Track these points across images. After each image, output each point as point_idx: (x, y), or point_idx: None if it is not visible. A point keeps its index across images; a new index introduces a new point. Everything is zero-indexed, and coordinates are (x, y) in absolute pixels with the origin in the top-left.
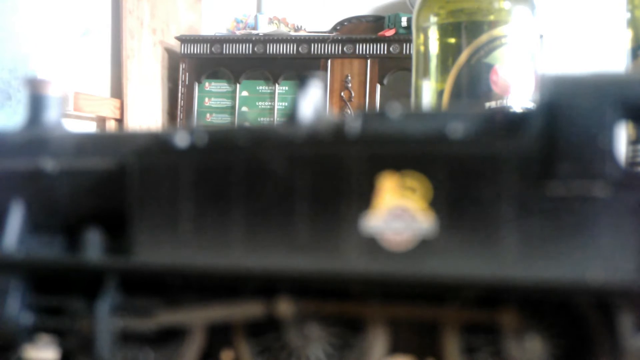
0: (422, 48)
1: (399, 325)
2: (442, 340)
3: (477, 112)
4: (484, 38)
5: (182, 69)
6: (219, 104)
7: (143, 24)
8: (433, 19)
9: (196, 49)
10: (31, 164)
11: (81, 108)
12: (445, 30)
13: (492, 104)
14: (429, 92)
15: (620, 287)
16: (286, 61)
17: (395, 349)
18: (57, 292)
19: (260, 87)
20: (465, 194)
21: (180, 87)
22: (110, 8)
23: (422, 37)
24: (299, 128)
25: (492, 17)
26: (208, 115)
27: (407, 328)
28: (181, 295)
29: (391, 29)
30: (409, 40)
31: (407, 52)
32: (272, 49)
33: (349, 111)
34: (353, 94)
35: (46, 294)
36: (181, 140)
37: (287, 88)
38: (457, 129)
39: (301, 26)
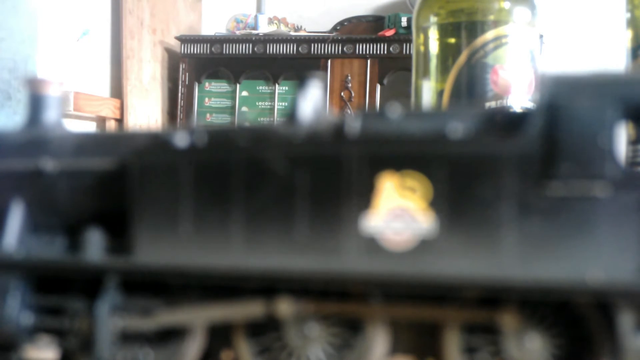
0: (422, 48)
1: (399, 325)
2: (442, 340)
3: (477, 112)
4: (483, 38)
5: (182, 69)
6: (219, 104)
7: (143, 24)
8: (433, 19)
9: (196, 49)
10: (31, 164)
11: (81, 108)
12: (445, 30)
13: (492, 104)
14: (429, 92)
15: (620, 287)
16: (286, 61)
17: (395, 349)
18: (57, 292)
19: (260, 87)
20: (465, 194)
21: (180, 87)
22: (110, 8)
23: (422, 37)
24: (299, 128)
25: (492, 17)
26: (208, 115)
27: (407, 328)
28: (181, 295)
29: (391, 29)
30: (409, 40)
31: (407, 52)
32: (272, 49)
33: (349, 111)
34: (353, 94)
35: (46, 294)
36: (181, 140)
37: (287, 88)
38: (457, 129)
39: (301, 26)
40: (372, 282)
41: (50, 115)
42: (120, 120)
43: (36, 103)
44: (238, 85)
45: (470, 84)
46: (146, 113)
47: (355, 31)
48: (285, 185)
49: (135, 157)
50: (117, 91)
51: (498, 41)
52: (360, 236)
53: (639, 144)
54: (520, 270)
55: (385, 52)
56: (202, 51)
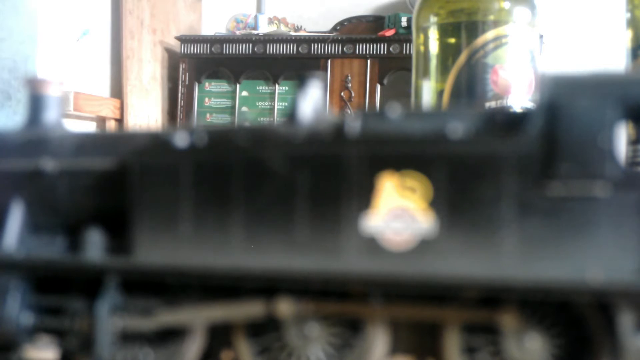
0: (422, 48)
1: (399, 325)
2: (442, 340)
3: (477, 112)
4: (483, 38)
5: (182, 69)
6: (219, 104)
7: (143, 24)
8: (433, 19)
9: (196, 49)
10: (31, 164)
11: (81, 108)
12: (445, 30)
13: (492, 104)
14: (429, 92)
15: (620, 287)
16: (286, 61)
17: (395, 349)
18: (57, 292)
19: (260, 87)
20: (465, 194)
21: (180, 87)
22: (110, 8)
23: (422, 37)
24: (299, 128)
25: (492, 17)
26: (208, 115)
27: (407, 328)
28: (181, 295)
29: (391, 29)
30: (409, 40)
31: (407, 52)
32: (272, 49)
33: (349, 111)
34: (353, 94)
35: (46, 294)
36: (181, 140)
37: (287, 88)
38: (457, 129)
39: (301, 26)
40: (372, 282)
41: (50, 115)
42: (120, 120)
43: (36, 103)
44: (238, 85)
45: (470, 84)
46: (146, 113)
47: (355, 31)
48: (285, 185)
49: (135, 157)
50: (117, 91)
51: (498, 41)
52: (360, 236)
53: (639, 144)
54: (520, 270)
55: (385, 52)
56: (202, 51)
